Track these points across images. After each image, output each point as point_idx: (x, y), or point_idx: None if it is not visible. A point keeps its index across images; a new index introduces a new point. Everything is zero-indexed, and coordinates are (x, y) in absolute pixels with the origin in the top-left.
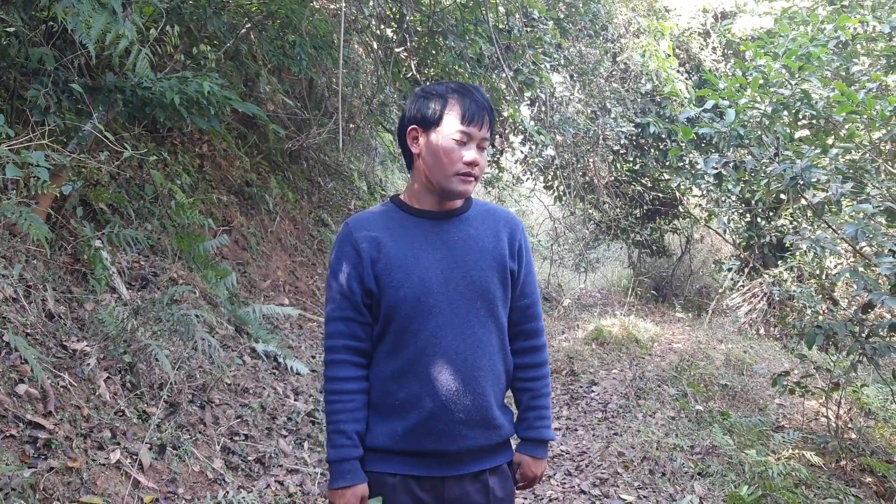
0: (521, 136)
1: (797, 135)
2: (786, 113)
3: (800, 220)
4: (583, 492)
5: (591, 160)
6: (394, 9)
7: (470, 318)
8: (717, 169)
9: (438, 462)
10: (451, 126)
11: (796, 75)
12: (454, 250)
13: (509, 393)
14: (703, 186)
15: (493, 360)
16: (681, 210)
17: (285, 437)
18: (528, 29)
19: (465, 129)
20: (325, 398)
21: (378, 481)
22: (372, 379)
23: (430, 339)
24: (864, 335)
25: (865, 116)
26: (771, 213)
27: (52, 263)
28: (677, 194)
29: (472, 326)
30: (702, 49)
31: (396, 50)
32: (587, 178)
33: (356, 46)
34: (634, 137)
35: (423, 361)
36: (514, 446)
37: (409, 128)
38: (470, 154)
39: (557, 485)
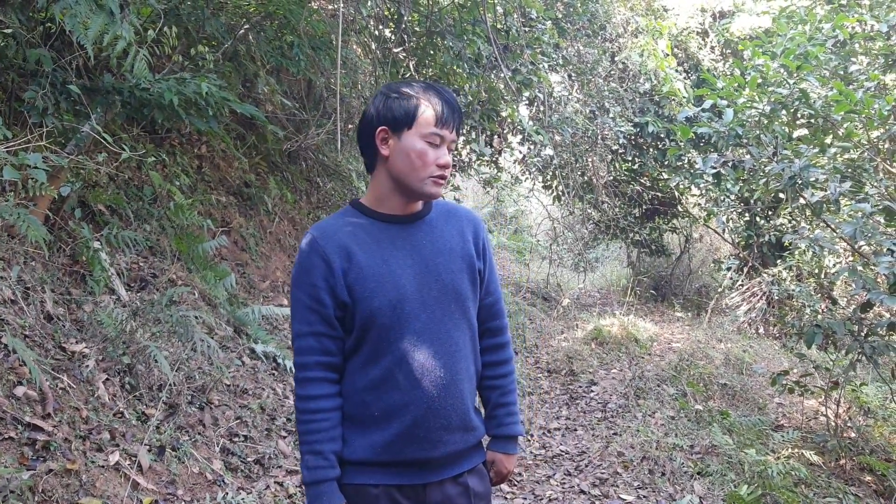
0: (519, 136)
1: (795, 134)
2: (784, 112)
3: (798, 219)
4: (582, 492)
5: (589, 160)
6: (392, 9)
7: (445, 322)
8: (715, 168)
9: (421, 469)
10: (424, 128)
11: (794, 74)
12: (424, 254)
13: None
14: (701, 186)
15: (467, 363)
16: (680, 209)
17: (285, 437)
18: (527, 29)
19: (438, 132)
20: (298, 417)
21: (359, 492)
22: (346, 391)
23: (408, 347)
24: (862, 334)
25: (863, 115)
26: (770, 213)
27: (51, 265)
28: (676, 194)
29: (448, 330)
30: (700, 48)
31: (395, 50)
32: (586, 177)
33: (354, 47)
34: (633, 137)
35: (402, 370)
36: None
37: (379, 129)
38: (443, 156)
39: (557, 484)
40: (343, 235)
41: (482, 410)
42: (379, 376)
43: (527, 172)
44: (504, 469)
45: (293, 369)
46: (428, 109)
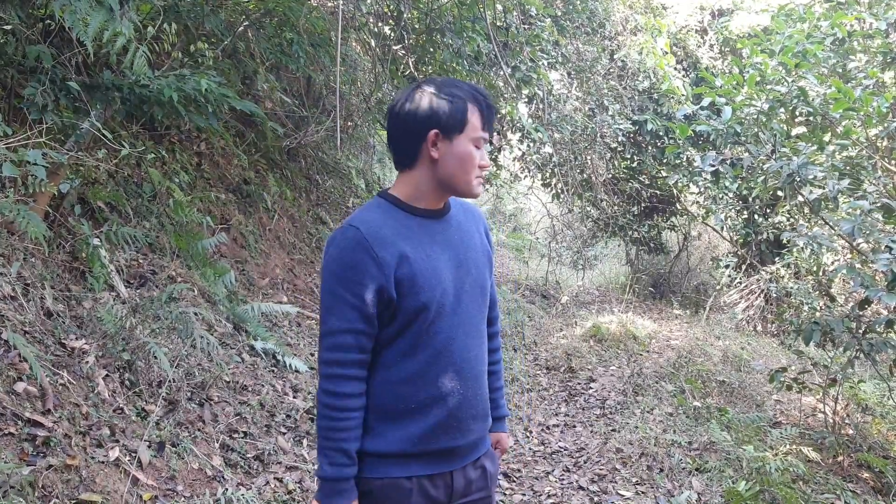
0: (518, 134)
1: (794, 132)
2: (782, 110)
3: (797, 216)
4: (581, 488)
5: (588, 158)
6: (391, 6)
7: (475, 315)
8: (714, 166)
9: (449, 457)
10: (473, 132)
11: (793, 72)
12: (457, 249)
13: None
14: (700, 184)
15: (486, 353)
16: (678, 207)
17: (284, 434)
18: (526, 26)
19: (483, 135)
20: (325, 412)
21: (394, 486)
22: (379, 384)
23: (446, 341)
24: (860, 331)
25: (862, 113)
26: (768, 210)
27: (51, 261)
28: (675, 191)
29: (477, 323)
30: (699, 46)
31: (394, 47)
32: (585, 175)
33: (354, 44)
34: (632, 135)
35: (441, 362)
36: None
37: (432, 131)
38: (484, 157)
39: (556, 481)
40: (388, 231)
41: None
42: (417, 369)
43: (526, 170)
44: (505, 446)
45: (322, 363)
46: (475, 113)
